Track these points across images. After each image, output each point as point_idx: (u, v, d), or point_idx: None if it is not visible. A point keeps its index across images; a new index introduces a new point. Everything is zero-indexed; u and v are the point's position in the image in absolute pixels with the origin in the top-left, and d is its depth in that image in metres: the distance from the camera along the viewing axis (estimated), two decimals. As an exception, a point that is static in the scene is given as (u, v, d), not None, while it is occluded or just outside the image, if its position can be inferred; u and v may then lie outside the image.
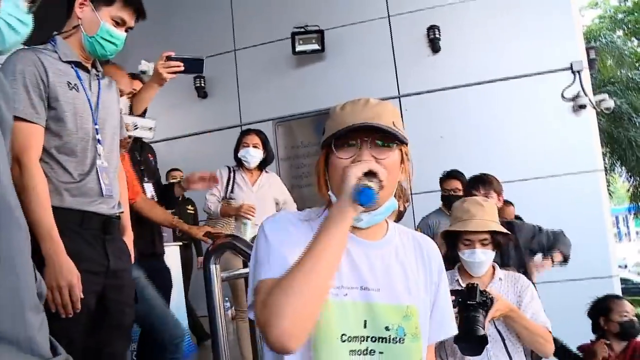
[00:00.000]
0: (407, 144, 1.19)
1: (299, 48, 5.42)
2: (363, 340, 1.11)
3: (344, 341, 1.09)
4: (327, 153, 1.17)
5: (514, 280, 2.14)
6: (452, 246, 2.13)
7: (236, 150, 3.77)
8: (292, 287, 1.00)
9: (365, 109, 1.16)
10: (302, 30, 5.43)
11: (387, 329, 1.12)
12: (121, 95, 2.69)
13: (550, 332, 2.02)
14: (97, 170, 1.95)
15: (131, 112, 2.85)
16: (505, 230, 2.10)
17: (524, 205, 4.06)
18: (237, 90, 5.71)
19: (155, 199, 3.21)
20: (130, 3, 2.01)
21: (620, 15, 18.34)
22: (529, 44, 5.03)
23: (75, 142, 1.89)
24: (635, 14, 18.01)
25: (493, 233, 2.08)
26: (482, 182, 3.00)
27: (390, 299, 1.14)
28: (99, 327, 1.96)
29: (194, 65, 2.77)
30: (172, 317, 2.82)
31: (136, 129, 2.73)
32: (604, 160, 11.03)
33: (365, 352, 1.10)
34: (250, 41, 5.77)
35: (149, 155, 3.42)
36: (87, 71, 2.00)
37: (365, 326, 1.11)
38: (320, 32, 5.39)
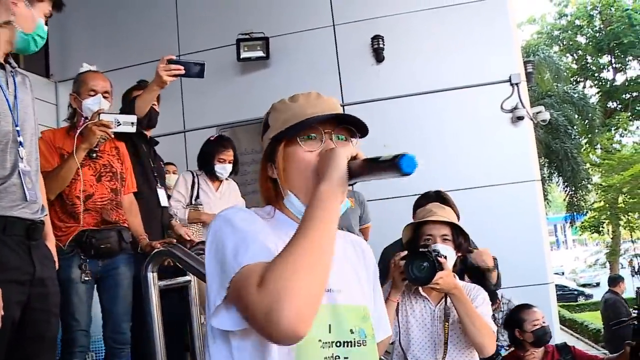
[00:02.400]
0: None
1: (243, 55, 5.36)
2: (330, 346, 1.03)
3: (322, 347, 1.01)
4: (284, 147, 1.11)
5: (469, 288, 2.17)
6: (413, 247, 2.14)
7: (208, 161, 3.68)
8: (300, 263, 0.89)
9: (321, 101, 1.14)
10: (247, 37, 5.38)
11: (351, 331, 1.06)
12: (101, 96, 2.79)
13: (494, 331, 2.04)
14: (19, 174, 1.85)
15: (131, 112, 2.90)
16: (464, 230, 2.16)
17: (464, 214, 4.12)
18: (181, 95, 5.58)
19: (167, 205, 3.24)
20: None
21: (556, 32, 19.23)
22: (470, 56, 5.16)
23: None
24: (569, 31, 18.93)
25: (454, 231, 2.13)
26: (439, 198, 3.00)
27: (351, 300, 1.09)
28: (23, 339, 1.86)
29: (194, 69, 2.79)
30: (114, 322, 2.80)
31: (119, 125, 2.69)
32: (542, 170, 11.48)
33: (332, 359, 1.02)
34: (195, 46, 5.66)
35: (161, 163, 3.41)
36: (2, 68, 1.87)
37: (330, 331, 1.03)
38: (266, 39, 5.35)
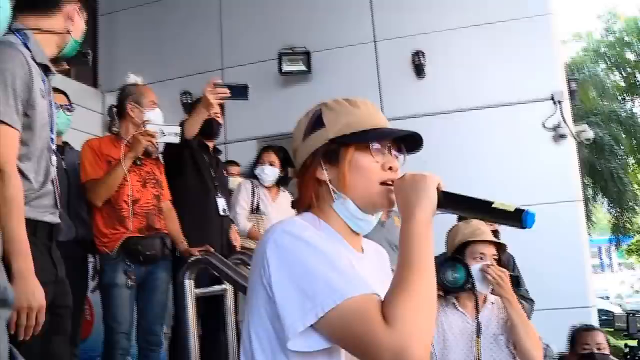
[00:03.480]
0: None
1: (285, 68, 5.45)
2: None
3: None
4: (353, 151, 1.10)
5: (503, 305, 2.15)
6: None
7: (253, 166, 3.82)
8: (421, 301, 0.92)
9: (379, 111, 1.16)
10: (290, 51, 5.47)
11: None
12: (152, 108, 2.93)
13: (541, 344, 2.04)
14: (52, 181, 1.90)
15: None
16: (506, 249, 2.20)
17: (504, 234, 4.06)
18: (224, 107, 5.70)
19: (227, 214, 3.34)
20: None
21: (603, 49, 18.73)
22: (512, 73, 5.10)
23: (35, 151, 1.81)
24: (617, 48, 18.40)
25: (499, 251, 2.16)
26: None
27: None
28: (49, 337, 1.88)
29: (239, 91, 2.93)
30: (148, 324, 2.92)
31: (164, 135, 2.82)
32: (586, 190, 11.17)
33: None
34: (237, 60, 5.79)
35: (224, 172, 3.52)
36: (49, 72, 1.90)
37: None
38: (307, 54, 5.43)
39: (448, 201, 1.04)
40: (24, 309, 1.60)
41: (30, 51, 1.78)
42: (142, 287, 2.88)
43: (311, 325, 0.94)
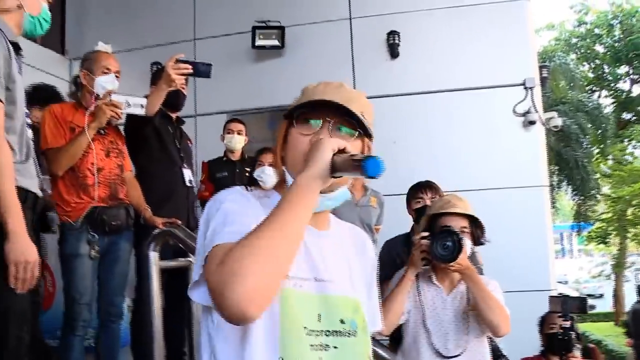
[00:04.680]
0: (371, 138, 1.14)
1: (258, 42, 5.36)
2: (318, 335, 1.03)
3: (307, 334, 1.02)
4: (287, 126, 1.12)
5: (484, 281, 2.19)
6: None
7: (250, 172, 3.59)
8: (260, 245, 0.90)
9: (339, 90, 1.12)
10: (263, 25, 5.37)
11: (342, 322, 1.07)
12: (113, 74, 2.88)
13: (507, 313, 2.07)
14: (33, 152, 2.01)
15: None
16: (482, 223, 2.20)
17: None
18: (194, 79, 5.59)
19: (193, 185, 3.35)
20: None
21: (574, 40, 19.05)
22: (485, 57, 5.13)
23: (18, 124, 1.91)
24: (587, 40, 18.74)
25: (471, 224, 2.17)
26: (430, 188, 3.07)
27: (343, 291, 1.10)
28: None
29: (202, 69, 2.89)
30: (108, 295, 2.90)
31: (129, 106, 2.80)
32: (551, 177, 11.40)
33: (320, 347, 1.03)
34: (210, 31, 5.67)
35: (188, 141, 3.47)
36: (18, 52, 1.96)
37: (319, 319, 1.04)
38: (281, 28, 5.35)
39: (340, 163, 0.99)
40: (20, 263, 1.75)
41: (3, 31, 1.87)
42: (104, 258, 2.84)
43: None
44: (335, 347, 1.04)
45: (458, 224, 2.14)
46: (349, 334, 1.07)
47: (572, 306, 2.58)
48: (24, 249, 1.77)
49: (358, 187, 3.76)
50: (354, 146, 1.07)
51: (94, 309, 2.89)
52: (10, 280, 1.76)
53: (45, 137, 2.76)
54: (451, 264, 2.02)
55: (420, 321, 2.14)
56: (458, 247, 2.00)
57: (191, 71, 2.86)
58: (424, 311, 2.14)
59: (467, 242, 2.12)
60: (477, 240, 2.20)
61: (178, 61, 2.83)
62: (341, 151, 1.00)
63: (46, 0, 2.07)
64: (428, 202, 2.89)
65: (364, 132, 1.11)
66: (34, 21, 2.01)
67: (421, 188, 3.09)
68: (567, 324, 2.57)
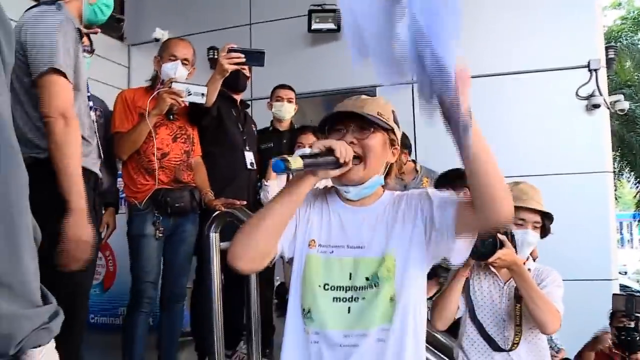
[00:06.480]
0: (389, 131, 1.40)
1: (314, 26, 5.36)
2: (348, 290, 1.33)
3: (327, 289, 1.34)
4: (327, 135, 1.42)
5: (541, 270, 2.16)
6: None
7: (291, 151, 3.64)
8: (249, 222, 1.36)
9: (355, 101, 1.41)
10: (319, 8, 5.36)
11: (367, 279, 1.34)
12: (180, 63, 2.92)
13: (558, 310, 2.00)
14: (95, 134, 2.12)
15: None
16: (552, 216, 2.15)
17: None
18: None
19: (255, 167, 3.36)
20: None
21: (643, 18, 18.03)
22: (548, 38, 4.95)
23: (81, 107, 2.01)
24: (659, 17, 17.68)
25: (543, 216, 2.12)
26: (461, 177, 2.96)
27: (373, 254, 1.35)
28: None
29: (255, 57, 2.89)
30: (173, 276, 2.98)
31: (190, 95, 2.83)
32: (613, 163, 10.92)
33: (350, 299, 1.33)
34: (266, 15, 5.71)
35: (252, 126, 3.49)
36: (81, 40, 2.04)
37: (350, 278, 1.34)
38: (337, 12, 5.31)
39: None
40: (76, 241, 1.80)
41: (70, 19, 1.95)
42: (169, 239, 2.91)
43: None
44: (363, 299, 1.32)
45: (532, 219, 2.09)
46: (372, 286, 1.32)
47: (638, 306, 2.46)
48: (82, 228, 1.83)
49: (408, 170, 3.72)
50: (373, 139, 1.37)
51: (159, 288, 2.98)
52: (63, 256, 1.79)
53: (114, 121, 2.85)
54: (492, 259, 1.96)
55: (469, 317, 2.12)
56: (496, 244, 1.94)
57: (244, 60, 2.86)
58: (474, 305, 2.11)
59: (535, 241, 2.08)
60: (547, 232, 2.15)
61: (230, 50, 2.84)
62: (331, 150, 1.29)
63: None
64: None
65: (381, 127, 1.38)
66: (93, 8, 2.06)
67: (453, 179, 2.98)
68: (632, 324, 2.46)
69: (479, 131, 1.19)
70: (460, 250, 1.35)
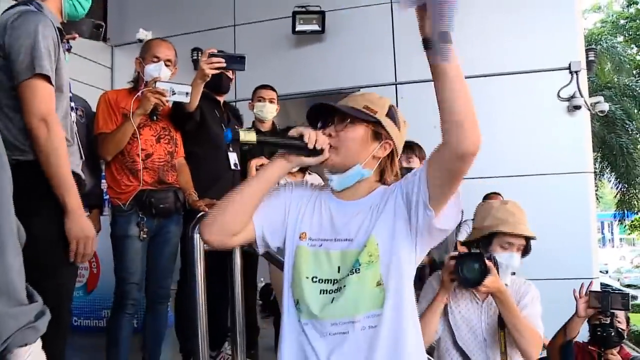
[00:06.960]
0: (375, 123, 1.40)
1: (299, 28, 5.37)
2: (335, 282, 1.36)
3: (315, 282, 1.36)
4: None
5: (519, 284, 2.16)
6: (481, 245, 2.13)
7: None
8: (223, 201, 1.42)
9: (348, 97, 1.46)
10: (304, 10, 5.37)
11: (351, 268, 1.35)
12: (163, 64, 2.91)
13: (540, 336, 2.02)
14: (76, 135, 2.10)
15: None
16: (535, 238, 2.15)
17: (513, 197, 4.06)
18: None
19: (238, 168, 3.34)
20: None
21: (622, 21, 18.32)
22: (530, 40, 5.02)
23: (62, 109, 1.98)
24: (637, 20, 17.98)
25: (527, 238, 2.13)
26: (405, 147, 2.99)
27: (359, 246, 1.36)
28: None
29: (235, 61, 2.90)
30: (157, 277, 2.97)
31: (174, 94, 2.81)
32: (594, 164, 11.08)
33: (335, 291, 1.35)
34: (250, 17, 5.71)
35: (236, 126, 3.46)
36: (62, 38, 2.00)
37: (339, 271, 1.36)
38: (322, 13, 5.34)
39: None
40: (81, 238, 1.89)
41: (48, 17, 1.92)
42: (153, 241, 2.89)
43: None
44: (344, 287, 1.33)
45: (518, 242, 2.10)
46: (353, 272, 1.34)
47: (613, 303, 2.48)
48: (83, 226, 1.89)
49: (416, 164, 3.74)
50: (350, 131, 1.39)
51: (143, 289, 2.96)
52: (71, 255, 1.89)
53: (98, 122, 2.83)
54: (478, 287, 1.96)
55: (451, 342, 2.11)
56: (482, 269, 1.93)
57: (225, 65, 2.87)
58: (454, 331, 2.10)
59: (516, 260, 2.09)
60: (528, 251, 2.16)
61: (211, 55, 2.85)
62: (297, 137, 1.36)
63: None
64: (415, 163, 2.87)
65: (361, 119, 1.40)
66: (72, 2, 2.03)
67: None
68: (607, 320, 2.48)
69: (456, 58, 1.16)
70: (448, 215, 1.31)
